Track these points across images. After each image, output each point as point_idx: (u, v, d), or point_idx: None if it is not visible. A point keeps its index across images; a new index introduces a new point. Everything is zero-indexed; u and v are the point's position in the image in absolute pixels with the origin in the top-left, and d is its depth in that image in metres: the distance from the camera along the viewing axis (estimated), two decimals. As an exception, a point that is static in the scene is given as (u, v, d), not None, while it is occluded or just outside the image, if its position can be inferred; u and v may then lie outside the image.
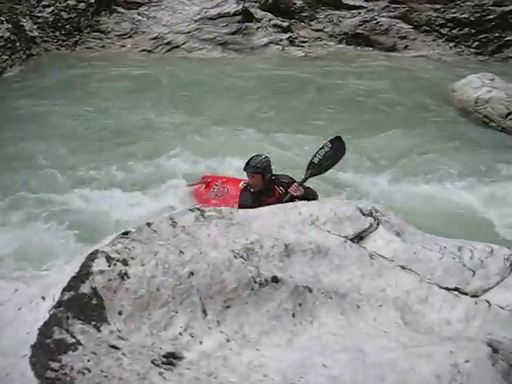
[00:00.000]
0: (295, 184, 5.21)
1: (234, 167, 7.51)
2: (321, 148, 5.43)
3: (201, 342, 1.76)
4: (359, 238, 2.52)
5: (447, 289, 2.36)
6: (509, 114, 9.84)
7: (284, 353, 1.74)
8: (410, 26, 16.60)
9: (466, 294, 2.38)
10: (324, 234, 2.44)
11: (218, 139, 8.97)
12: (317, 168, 5.41)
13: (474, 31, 15.48)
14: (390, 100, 11.38)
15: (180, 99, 10.97)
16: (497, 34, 15.21)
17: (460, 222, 6.69)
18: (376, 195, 7.14)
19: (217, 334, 1.80)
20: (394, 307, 2.15)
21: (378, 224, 2.59)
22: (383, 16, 17.21)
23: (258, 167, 5.20)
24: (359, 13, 17.56)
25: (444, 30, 15.96)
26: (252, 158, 5.28)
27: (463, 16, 15.76)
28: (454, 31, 15.82)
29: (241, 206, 5.04)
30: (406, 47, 16.37)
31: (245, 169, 5.26)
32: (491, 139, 9.47)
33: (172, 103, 10.76)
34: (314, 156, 5.41)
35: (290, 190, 5.16)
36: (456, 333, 2.04)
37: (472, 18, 15.59)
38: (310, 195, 5.15)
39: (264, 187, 5.23)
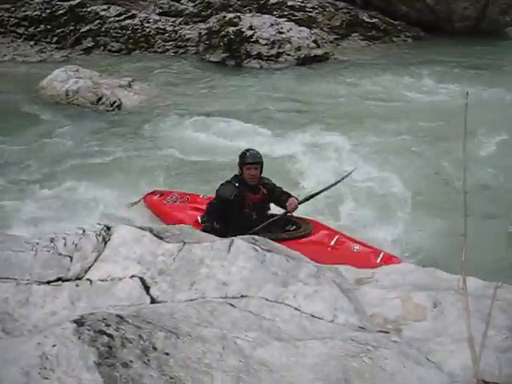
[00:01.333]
0: (295, 202, 4.94)
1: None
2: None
3: None
4: None
5: (48, 282, 2.38)
6: (99, 99, 10.33)
7: None
8: (-16, 30, 15.69)
9: (69, 280, 2.45)
10: None
11: None
12: (318, 190, 5.24)
13: (49, 27, 15.50)
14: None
15: None
16: (72, 28, 15.56)
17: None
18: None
19: None
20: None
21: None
22: None
23: (260, 157, 4.86)
24: None
25: (20, 30, 15.57)
26: (248, 150, 4.90)
27: (35, 13, 15.64)
28: (30, 29, 15.55)
29: (218, 199, 4.79)
30: (-17, 53, 15.40)
31: (244, 161, 4.81)
32: (93, 123, 9.82)
33: None
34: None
35: (288, 207, 4.93)
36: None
37: (44, 15, 15.58)
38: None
39: (255, 182, 4.89)
